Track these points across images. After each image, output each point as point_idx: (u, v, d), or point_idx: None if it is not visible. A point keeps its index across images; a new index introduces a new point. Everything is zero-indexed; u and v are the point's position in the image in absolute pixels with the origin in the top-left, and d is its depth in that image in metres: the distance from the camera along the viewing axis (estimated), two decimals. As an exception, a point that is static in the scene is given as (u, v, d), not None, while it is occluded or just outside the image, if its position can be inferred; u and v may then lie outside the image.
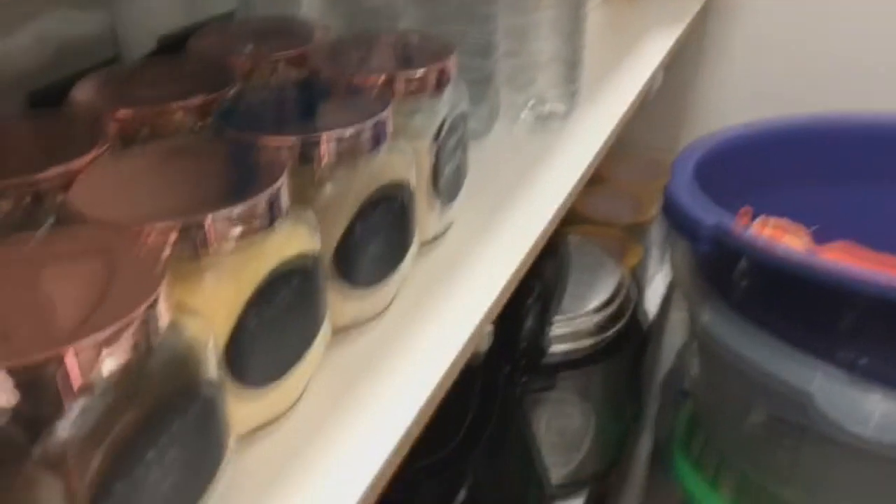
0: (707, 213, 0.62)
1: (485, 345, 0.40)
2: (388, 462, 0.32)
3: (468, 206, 0.47)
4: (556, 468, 0.75)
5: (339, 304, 0.36)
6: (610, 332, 0.71)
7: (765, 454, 0.74)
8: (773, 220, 0.77)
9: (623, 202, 1.01)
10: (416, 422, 0.34)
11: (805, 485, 0.69)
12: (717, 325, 0.66)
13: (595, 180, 1.09)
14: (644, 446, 1.36)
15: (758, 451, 0.74)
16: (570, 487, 0.77)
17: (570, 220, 0.98)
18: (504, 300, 0.43)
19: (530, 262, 0.46)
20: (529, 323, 0.68)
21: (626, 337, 0.73)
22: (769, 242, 0.58)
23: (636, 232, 0.96)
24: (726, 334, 0.65)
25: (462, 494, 0.50)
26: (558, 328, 0.69)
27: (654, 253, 0.99)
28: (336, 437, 0.33)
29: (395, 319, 0.39)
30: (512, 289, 0.44)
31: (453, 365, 0.37)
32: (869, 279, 0.53)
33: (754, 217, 0.76)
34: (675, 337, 1.32)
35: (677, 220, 0.65)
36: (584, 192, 1.03)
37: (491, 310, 0.41)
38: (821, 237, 0.79)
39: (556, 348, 0.69)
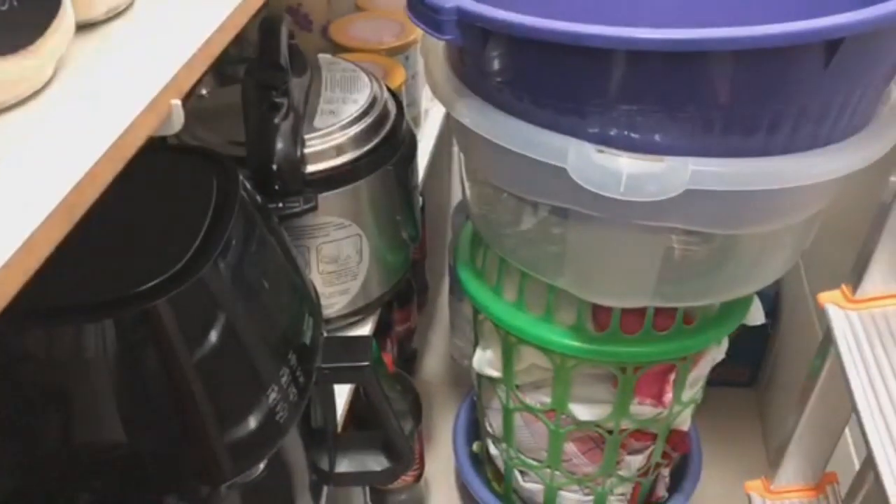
0: (445, -2, 0.59)
1: (175, 125, 0.35)
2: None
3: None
4: (335, 298, 0.72)
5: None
6: (368, 147, 0.67)
7: (537, 252, 0.75)
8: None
9: (384, 28, 0.96)
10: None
11: (575, 270, 0.70)
12: (474, 121, 0.63)
13: (357, 8, 1.04)
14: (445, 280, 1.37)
15: (531, 252, 0.75)
16: (353, 316, 0.74)
17: (327, 49, 0.92)
18: (194, 75, 0.37)
19: (225, 38, 0.40)
20: (280, 144, 0.62)
21: (387, 151, 0.69)
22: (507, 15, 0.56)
23: (398, 55, 0.92)
24: (484, 128, 0.62)
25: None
26: (312, 146, 0.65)
27: (421, 74, 0.95)
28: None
29: (53, 98, 0.33)
30: (204, 65, 0.38)
31: (127, 136, 0.31)
32: (609, 33, 0.52)
33: None
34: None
35: (418, 11, 0.60)
36: (345, 22, 0.98)
37: (176, 82, 0.35)
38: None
39: (314, 168, 0.65)
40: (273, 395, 0.48)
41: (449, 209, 1.30)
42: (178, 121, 0.35)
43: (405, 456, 0.59)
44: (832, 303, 0.48)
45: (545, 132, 0.60)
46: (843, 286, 0.48)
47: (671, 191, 0.56)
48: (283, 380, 0.48)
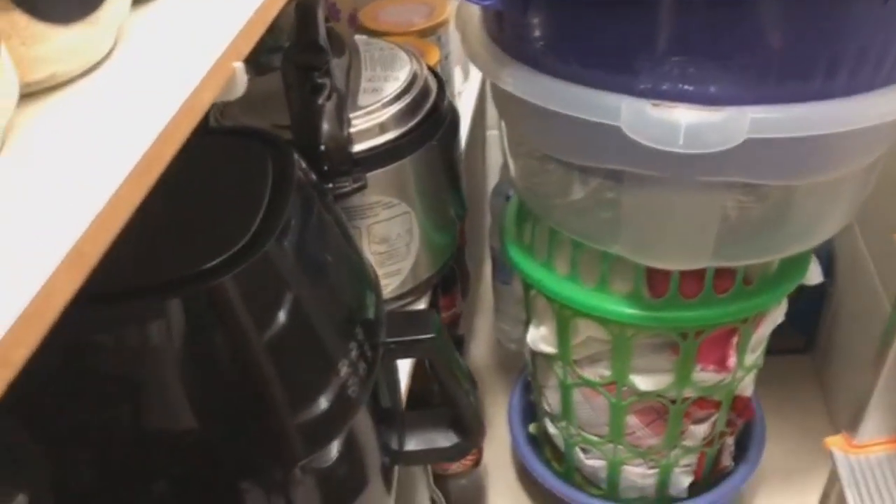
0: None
1: (239, 88, 0.34)
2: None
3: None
4: (386, 280, 0.71)
5: (28, 47, 0.29)
6: (412, 123, 0.66)
7: (590, 220, 0.73)
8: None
9: (413, 11, 0.96)
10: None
11: (631, 235, 0.69)
12: (520, 87, 0.62)
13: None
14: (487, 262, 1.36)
15: (583, 220, 0.74)
16: (404, 298, 0.73)
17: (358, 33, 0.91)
18: (252, 38, 0.36)
19: (279, 2, 0.39)
20: (326, 125, 0.62)
21: (431, 127, 0.68)
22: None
23: (430, 36, 0.91)
24: (530, 93, 0.61)
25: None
26: (357, 124, 0.64)
27: (454, 55, 0.95)
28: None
29: (118, 66, 0.32)
30: (261, 29, 0.37)
31: (194, 99, 0.31)
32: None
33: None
34: (496, 154, 1.31)
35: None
36: (373, 7, 0.97)
37: (235, 45, 0.34)
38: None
39: (360, 147, 0.64)
40: (344, 370, 0.47)
41: (486, 194, 1.28)
42: (241, 83, 0.34)
43: (475, 430, 0.58)
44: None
45: (595, 91, 0.58)
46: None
47: (732, 140, 0.55)
48: (353, 354, 0.47)
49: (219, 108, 0.67)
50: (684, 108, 0.55)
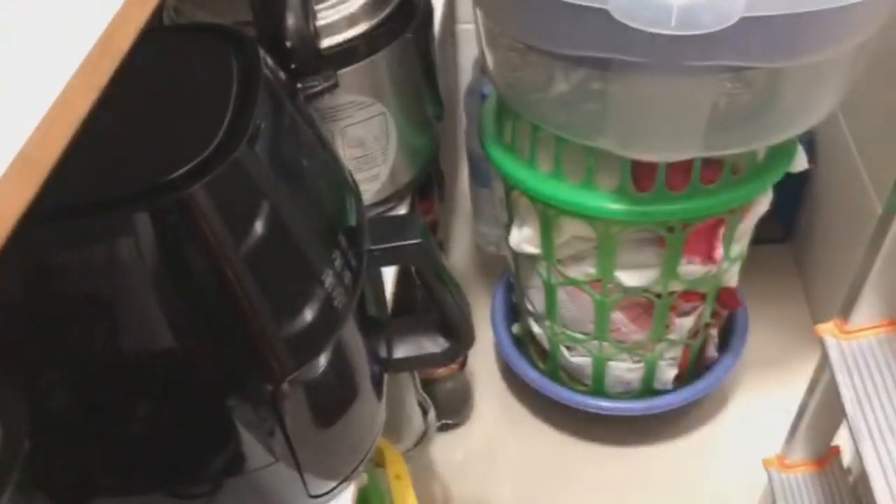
0: None
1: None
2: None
3: None
4: (365, 185, 0.68)
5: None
6: (383, 15, 0.62)
7: (574, 113, 0.70)
8: None
9: None
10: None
11: (618, 127, 0.66)
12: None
13: None
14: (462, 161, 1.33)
15: (567, 114, 0.71)
16: (384, 204, 0.71)
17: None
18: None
19: None
20: (290, 19, 0.57)
21: (404, 18, 0.64)
22: None
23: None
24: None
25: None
26: (324, 17, 0.59)
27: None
28: None
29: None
30: None
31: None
32: None
33: None
34: (468, 51, 1.26)
35: None
36: None
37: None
38: None
39: (328, 42, 0.60)
40: (328, 280, 0.44)
41: (459, 93, 1.24)
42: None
43: (464, 334, 0.56)
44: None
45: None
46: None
47: (726, 19, 0.51)
48: (337, 263, 0.45)
49: (172, 5, 0.62)
50: (676, -14, 0.51)
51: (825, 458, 0.72)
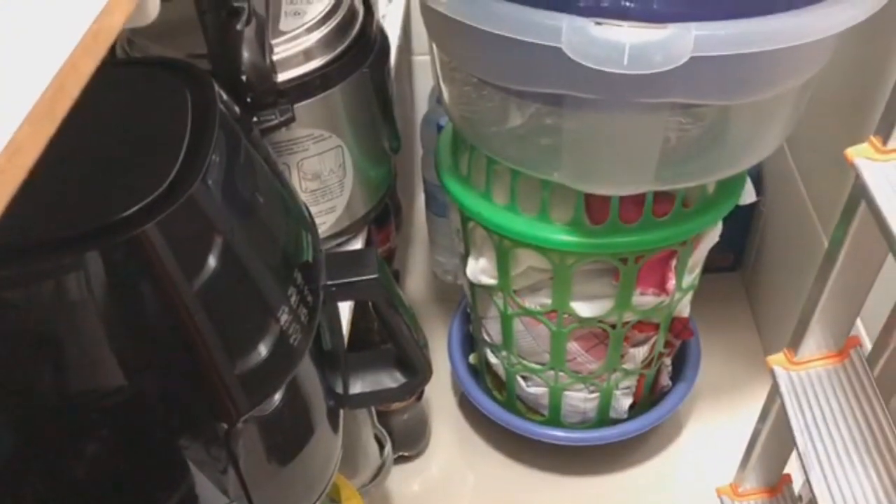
0: None
1: (151, 11, 0.30)
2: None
3: None
4: (321, 217, 0.68)
5: None
6: (339, 49, 0.62)
7: (529, 148, 0.71)
8: None
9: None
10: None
11: (572, 162, 0.67)
12: (454, 7, 0.59)
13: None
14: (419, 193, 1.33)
15: (522, 148, 0.72)
16: (341, 237, 0.70)
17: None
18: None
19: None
20: (246, 53, 0.57)
21: (360, 53, 0.64)
22: None
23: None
24: (464, 13, 0.58)
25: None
26: (280, 51, 0.59)
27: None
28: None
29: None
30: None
31: (101, 22, 0.27)
32: None
33: None
34: (424, 82, 1.27)
35: None
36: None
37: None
38: None
39: (285, 76, 0.59)
40: (284, 318, 0.44)
41: (415, 123, 1.25)
42: (153, 5, 0.30)
43: (422, 368, 0.56)
44: (863, 156, 0.46)
45: (534, 10, 0.55)
46: (872, 138, 0.46)
47: (677, 59, 0.53)
48: (293, 300, 0.45)
49: (125, 38, 0.62)
50: (628, 27, 0.52)
51: (777, 486, 0.73)
